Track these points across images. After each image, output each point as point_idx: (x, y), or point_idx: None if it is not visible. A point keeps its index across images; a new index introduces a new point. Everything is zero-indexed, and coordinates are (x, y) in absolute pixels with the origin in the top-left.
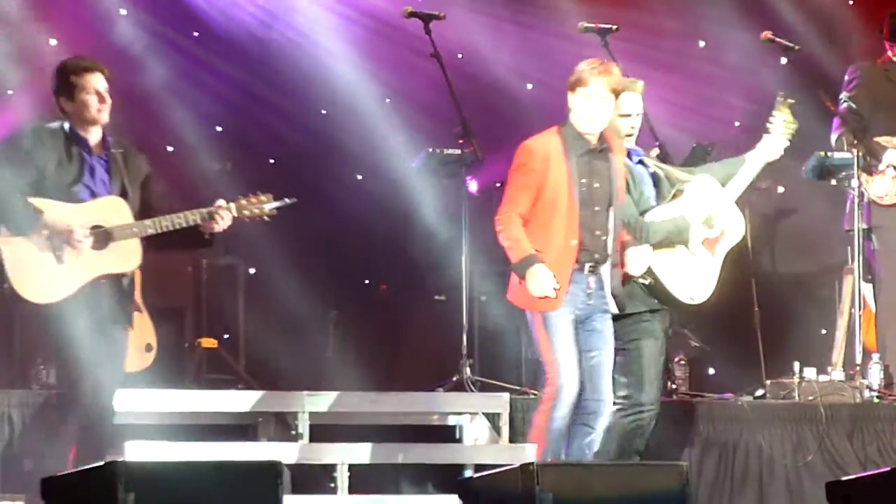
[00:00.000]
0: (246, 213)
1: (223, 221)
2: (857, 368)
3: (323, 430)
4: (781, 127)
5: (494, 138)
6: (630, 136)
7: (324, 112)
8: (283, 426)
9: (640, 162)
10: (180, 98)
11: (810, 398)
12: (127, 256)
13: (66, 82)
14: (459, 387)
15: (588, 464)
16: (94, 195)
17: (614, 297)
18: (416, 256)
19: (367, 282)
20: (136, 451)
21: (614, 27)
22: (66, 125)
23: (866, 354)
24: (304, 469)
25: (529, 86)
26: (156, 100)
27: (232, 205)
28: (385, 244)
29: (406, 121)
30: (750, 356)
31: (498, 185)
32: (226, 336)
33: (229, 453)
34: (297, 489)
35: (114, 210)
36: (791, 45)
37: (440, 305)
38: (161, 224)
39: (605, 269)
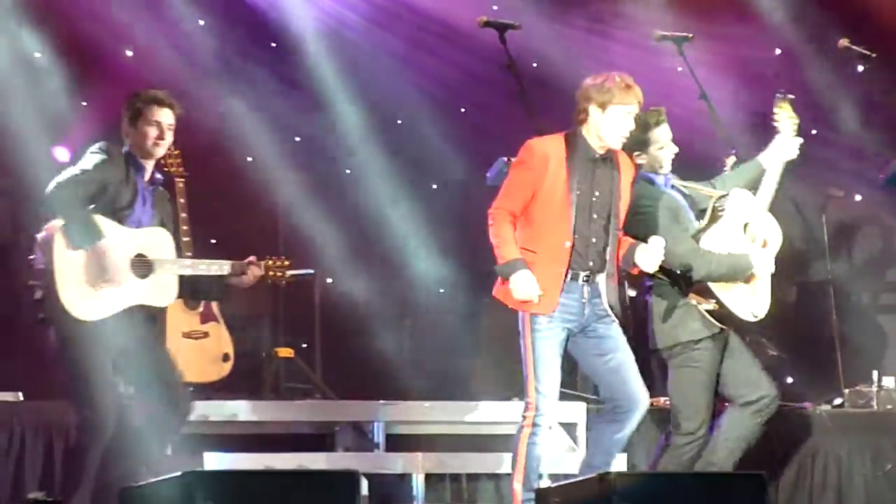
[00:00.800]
0: (271, 273)
1: (252, 278)
2: None
3: (399, 440)
4: (788, 123)
5: None
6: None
7: (399, 122)
8: (359, 435)
9: (672, 187)
10: (258, 108)
11: (888, 407)
12: (165, 291)
13: (133, 109)
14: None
15: (666, 473)
16: (140, 224)
17: (611, 308)
18: (489, 264)
19: (441, 290)
20: (214, 461)
21: (690, 36)
22: (127, 150)
23: None
24: (380, 478)
25: None
26: (234, 109)
27: (262, 263)
28: (460, 253)
29: (481, 130)
30: (828, 365)
31: None
32: (304, 345)
33: (306, 462)
34: (373, 498)
35: (160, 241)
36: (868, 52)
37: (514, 314)
38: (198, 266)
39: (602, 279)
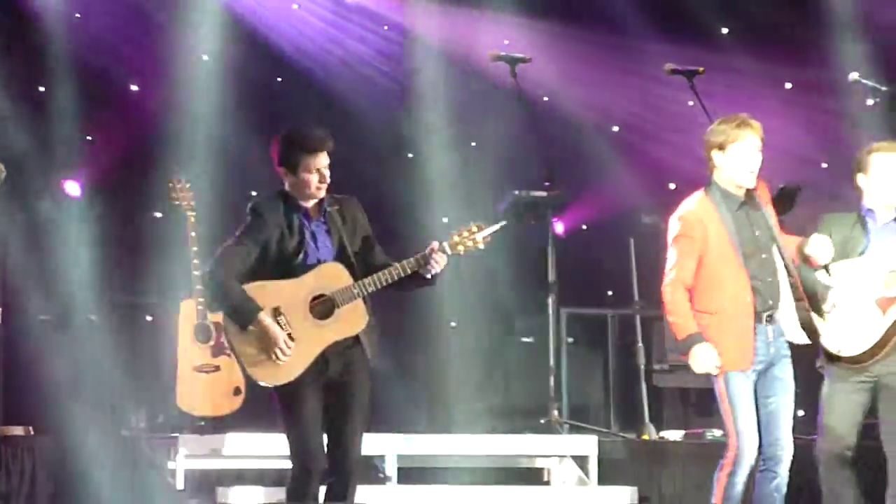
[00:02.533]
0: (460, 248)
1: (439, 264)
2: None
3: (411, 473)
4: None
5: (580, 180)
6: None
7: (410, 155)
8: (371, 469)
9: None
10: (264, 142)
11: None
12: (354, 320)
13: (291, 158)
14: (547, 429)
15: None
16: (319, 261)
17: (803, 328)
18: (503, 298)
19: (453, 324)
20: (227, 496)
21: (700, 69)
22: (284, 195)
23: None
24: None
25: (615, 128)
26: (240, 144)
27: (445, 244)
28: (471, 286)
29: (492, 163)
30: None
31: (584, 227)
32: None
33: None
34: None
35: (333, 276)
36: (878, 85)
37: (527, 347)
38: (381, 280)
39: (782, 314)
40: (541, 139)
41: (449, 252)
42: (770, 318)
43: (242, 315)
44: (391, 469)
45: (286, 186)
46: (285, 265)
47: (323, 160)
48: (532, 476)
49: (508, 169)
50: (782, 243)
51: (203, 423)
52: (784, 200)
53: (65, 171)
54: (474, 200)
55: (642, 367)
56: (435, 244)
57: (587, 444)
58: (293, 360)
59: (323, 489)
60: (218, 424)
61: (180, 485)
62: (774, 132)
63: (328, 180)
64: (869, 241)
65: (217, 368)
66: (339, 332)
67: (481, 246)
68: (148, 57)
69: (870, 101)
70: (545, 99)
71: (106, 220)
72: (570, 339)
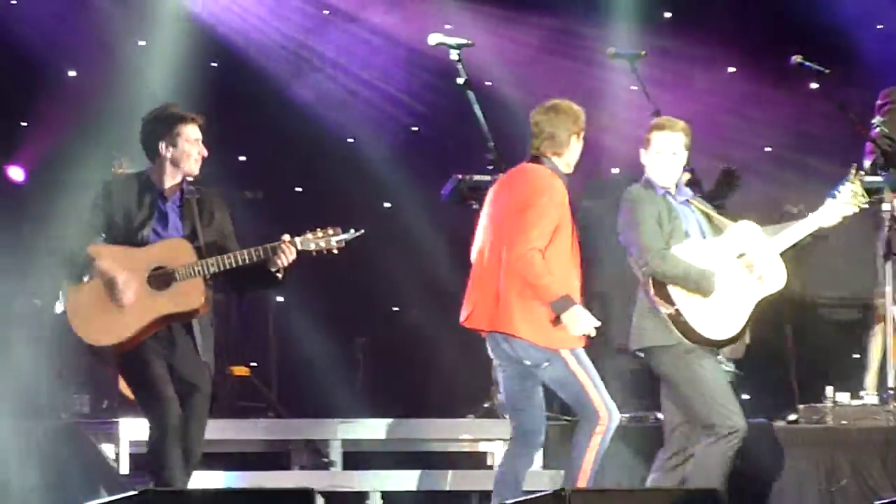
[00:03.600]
0: (312, 246)
1: (287, 256)
2: (892, 392)
3: (355, 458)
4: (848, 196)
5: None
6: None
7: (351, 140)
8: (315, 454)
9: (686, 202)
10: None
11: (843, 423)
12: (190, 295)
13: (170, 129)
14: (490, 413)
15: (621, 490)
16: (161, 239)
17: None
18: (444, 283)
19: (395, 309)
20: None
21: (643, 53)
22: (143, 175)
23: None
24: (337, 496)
25: None
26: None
27: (297, 239)
28: (413, 271)
29: (433, 147)
30: (783, 381)
31: None
32: (253, 364)
33: (262, 481)
34: None
35: (177, 251)
36: (821, 68)
37: (470, 332)
38: (224, 262)
39: None
40: (485, 123)
41: (300, 247)
42: None
43: (78, 266)
44: (335, 454)
45: (159, 164)
46: (130, 238)
47: (198, 133)
48: (475, 460)
49: (451, 153)
50: None
51: None
52: (725, 184)
53: (4, 157)
54: (417, 185)
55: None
56: (286, 237)
57: None
58: (124, 322)
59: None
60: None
61: (124, 469)
62: (714, 115)
63: (205, 153)
64: (684, 221)
65: None
66: (173, 304)
67: (335, 250)
68: (85, 42)
69: (814, 85)
70: (488, 83)
71: (48, 205)
72: None
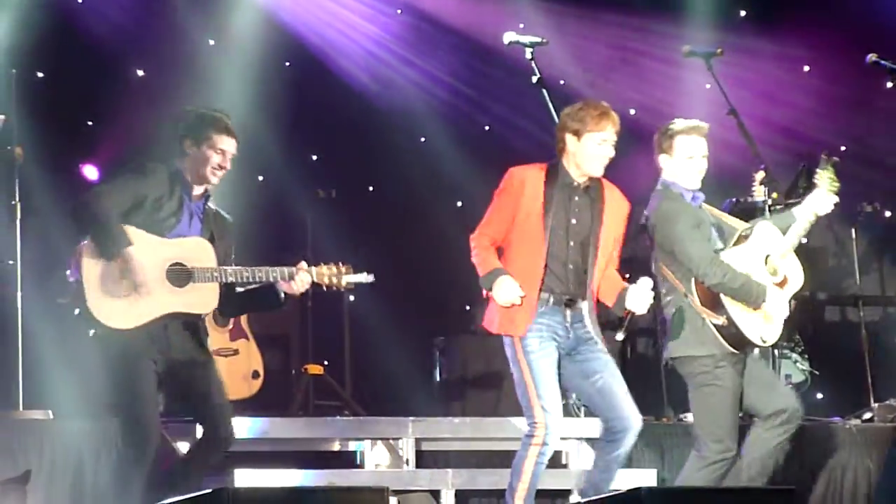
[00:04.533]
0: (325, 280)
1: (301, 284)
2: None
3: (429, 456)
4: (827, 184)
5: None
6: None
7: (423, 139)
8: (389, 452)
9: (700, 207)
10: (274, 125)
11: None
12: (204, 299)
13: (200, 132)
14: (566, 412)
15: (697, 488)
16: (183, 235)
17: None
18: None
19: (468, 308)
20: (244, 478)
21: (719, 51)
22: (175, 168)
23: None
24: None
25: (632, 111)
26: (249, 128)
27: (313, 269)
28: None
29: (507, 147)
30: (858, 380)
31: None
32: (324, 363)
33: (336, 479)
34: None
35: (199, 252)
36: None
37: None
38: (242, 275)
39: (585, 306)
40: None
41: (314, 278)
42: (569, 303)
43: (115, 242)
44: (409, 452)
45: (179, 164)
46: (154, 225)
47: (230, 146)
48: (551, 458)
49: (525, 152)
50: (600, 245)
51: None
52: (801, 181)
53: (78, 157)
54: (489, 184)
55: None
56: (303, 264)
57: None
58: (137, 309)
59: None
60: (236, 407)
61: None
62: (789, 114)
63: (227, 168)
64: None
65: (236, 352)
66: (186, 304)
67: (343, 288)
68: (155, 41)
69: (889, 84)
70: (561, 82)
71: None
72: None
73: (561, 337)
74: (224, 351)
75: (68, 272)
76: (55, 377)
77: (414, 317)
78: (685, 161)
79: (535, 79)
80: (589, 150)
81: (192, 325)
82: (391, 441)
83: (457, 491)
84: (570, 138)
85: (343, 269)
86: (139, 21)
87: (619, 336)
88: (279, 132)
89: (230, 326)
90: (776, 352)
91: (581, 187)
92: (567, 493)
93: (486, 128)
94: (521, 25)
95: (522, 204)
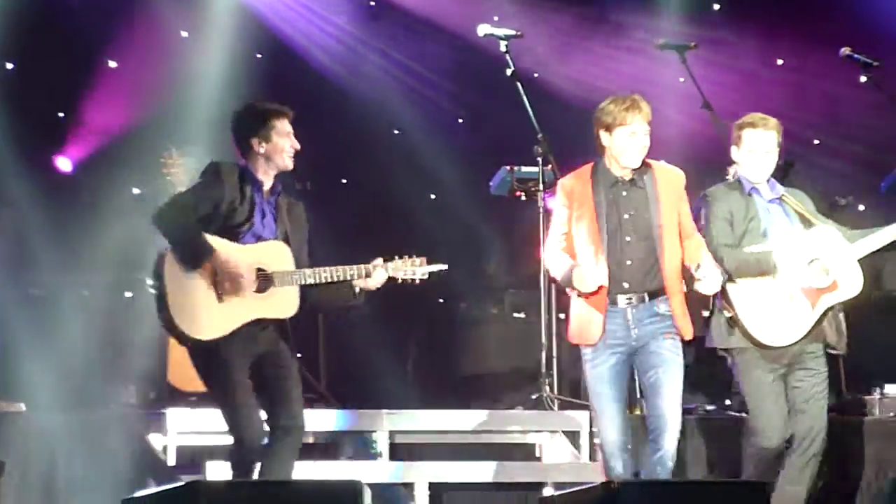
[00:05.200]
0: (400, 273)
1: (377, 281)
2: None
3: (403, 449)
4: None
5: (571, 157)
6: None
7: (397, 132)
8: (363, 445)
9: (779, 199)
10: None
11: (891, 415)
12: (286, 303)
13: (263, 124)
14: (539, 405)
15: (670, 481)
16: (259, 239)
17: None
18: (494, 275)
19: (441, 300)
20: (218, 471)
21: (692, 44)
22: (244, 165)
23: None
24: (384, 487)
25: None
26: (222, 120)
27: (388, 265)
28: (463, 263)
29: (481, 140)
30: (830, 373)
31: None
32: (299, 355)
33: (310, 472)
34: None
35: (277, 255)
36: (870, 61)
37: (519, 323)
38: (321, 275)
39: (657, 298)
40: (533, 116)
41: (390, 273)
42: (629, 301)
43: (200, 252)
44: (382, 445)
45: (250, 159)
46: (228, 231)
47: (290, 126)
48: (523, 451)
49: (499, 145)
50: (663, 234)
51: (194, 398)
52: (776, 177)
53: (51, 148)
54: (464, 176)
55: None
56: (379, 260)
57: (579, 420)
58: (220, 320)
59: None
60: (209, 400)
61: (171, 460)
62: (763, 107)
63: (297, 146)
64: (766, 219)
65: None
66: (269, 310)
67: (417, 280)
68: (127, 34)
69: (863, 77)
70: (535, 75)
71: (95, 196)
72: (562, 316)
73: (621, 338)
74: None
75: (148, 281)
76: (28, 369)
77: (388, 309)
78: (746, 154)
79: (509, 71)
80: (621, 144)
81: (282, 328)
82: (366, 433)
83: (430, 483)
84: (603, 134)
85: (418, 262)
86: (111, 12)
87: (706, 313)
88: None
89: None
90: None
91: (627, 180)
92: (540, 485)
93: (460, 120)
94: (496, 18)
95: (574, 212)
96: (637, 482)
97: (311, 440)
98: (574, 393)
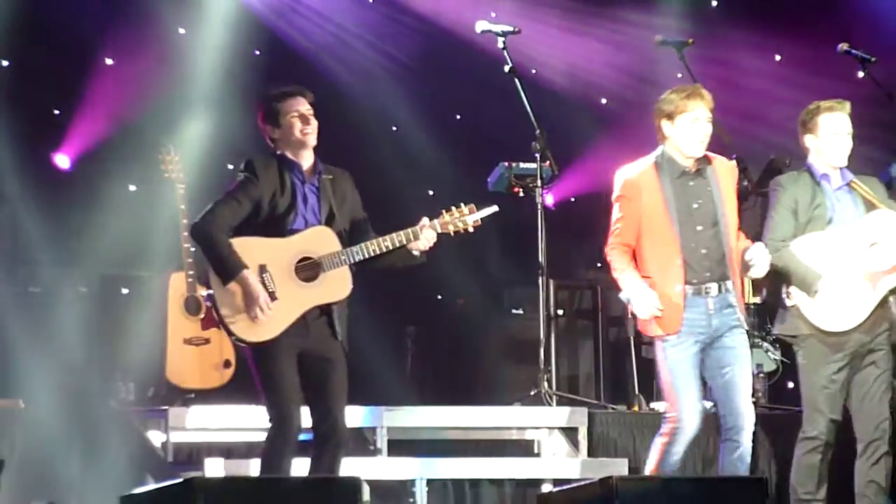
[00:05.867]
0: (450, 227)
1: (427, 241)
2: None
3: (401, 445)
4: None
5: (569, 153)
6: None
7: (395, 128)
8: (361, 441)
9: (848, 185)
10: (245, 114)
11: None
12: (339, 285)
13: (270, 111)
14: (537, 401)
15: (667, 478)
16: (307, 224)
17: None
18: (492, 271)
19: (439, 297)
20: (215, 467)
21: (690, 41)
22: (279, 153)
23: None
24: (383, 484)
25: (603, 100)
26: (223, 115)
27: (435, 222)
28: (461, 259)
29: (479, 135)
30: None
31: (573, 199)
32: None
33: (308, 468)
34: None
35: (321, 240)
36: (868, 56)
37: (517, 320)
38: (369, 249)
39: (731, 289)
40: (531, 112)
41: (439, 230)
42: (709, 291)
43: (227, 270)
44: (381, 441)
45: (277, 147)
46: (274, 224)
47: (302, 105)
48: (522, 448)
49: (497, 141)
50: (728, 223)
51: (193, 395)
52: (773, 172)
53: (48, 145)
54: (461, 173)
55: (632, 338)
56: (425, 220)
57: (577, 416)
58: (273, 319)
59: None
60: (208, 397)
61: (170, 457)
62: (764, 104)
63: (313, 123)
64: (832, 207)
65: (207, 341)
66: (322, 296)
67: (471, 229)
68: (124, 31)
69: (861, 73)
70: (533, 71)
71: (93, 193)
72: (560, 312)
73: (703, 328)
74: (195, 340)
75: (205, 293)
76: (26, 366)
77: (385, 306)
78: (830, 138)
79: (507, 68)
80: (684, 132)
81: (328, 312)
82: (364, 430)
83: (429, 480)
84: (665, 124)
85: (466, 210)
86: (108, 9)
87: (757, 299)
88: (250, 121)
89: (202, 315)
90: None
91: (693, 170)
92: (539, 482)
93: (458, 117)
94: (493, 14)
95: (645, 203)
96: (634, 478)
97: (309, 437)
98: (572, 389)
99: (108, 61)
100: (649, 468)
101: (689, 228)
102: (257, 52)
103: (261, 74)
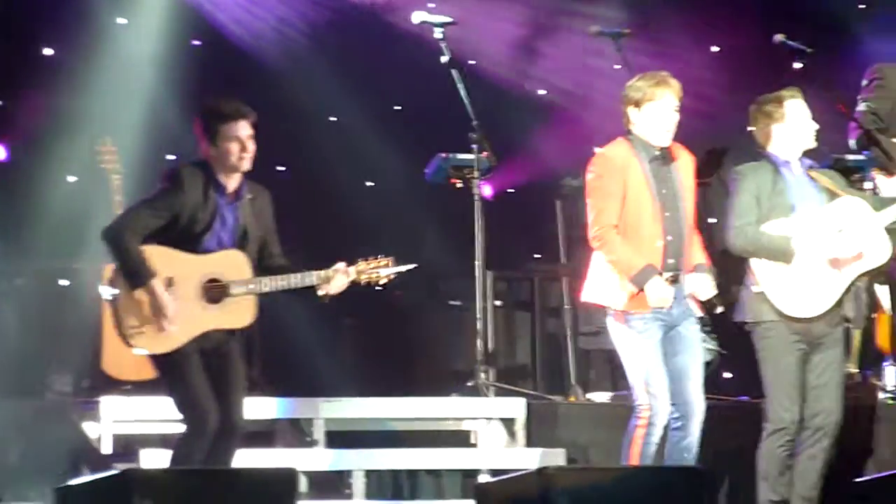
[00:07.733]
0: (364, 277)
1: (337, 287)
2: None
3: (339, 437)
4: None
5: (507, 144)
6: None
7: (333, 119)
8: (298, 432)
9: (806, 172)
10: (184, 104)
11: None
12: (242, 313)
13: (208, 127)
14: (475, 392)
15: (606, 468)
16: (220, 243)
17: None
18: (429, 262)
19: (377, 288)
20: (151, 459)
21: (626, 31)
22: (207, 167)
23: (881, 357)
24: (320, 475)
25: (542, 91)
26: (161, 105)
27: (351, 269)
28: (398, 250)
29: (417, 126)
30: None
31: (511, 190)
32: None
33: (245, 460)
34: (313, 495)
35: (234, 264)
36: (804, 48)
37: (455, 311)
38: (277, 283)
39: (686, 278)
40: (469, 102)
41: (353, 276)
42: (674, 278)
43: (137, 275)
44: (319, 433)
45: (208, 160)
46: (187, 239)
47: (243, 129)
48: (459, 438)
49: (436, 132)
50: (689, 211)
51: (129, 387)
52: (710, 163)
53: None
54: (400, 164)
55: (569, 329)
56: (341, 265)
57: (515, 407)
58: (170, 335)
59: None
60: (144, 388)
61: (106, 449)
62: (700, 96)
63: (250, 149)
64: (794, 194)
65: None
66: (223, 321)
67: (383, 281)
68: (63, 21)
69: (797, 64)
70: (471, 62)
71: (30, 184)
72: (498, 303)
73: (665, 314)
74: None
75: (106, 288)
76: None
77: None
78: (794, 125)
79: (444, 59)
80: (651, 120)
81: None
82: (301, 421)
83: (366, 471)
84: (631, 111)
85: (383, 262)
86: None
87: (719, 309)
88: (189, 111)
89: None
90: None
91: (660, 157)
92: (476, 472)
93: (397, 108)
94: (432, 5)
95: (629, 181)
96: (571, 469)
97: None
98: (510, 380)
99: (47, 51)
100: (630, 463)
101: (660, 214)
102: (196, 43)
103: (199, 64)
